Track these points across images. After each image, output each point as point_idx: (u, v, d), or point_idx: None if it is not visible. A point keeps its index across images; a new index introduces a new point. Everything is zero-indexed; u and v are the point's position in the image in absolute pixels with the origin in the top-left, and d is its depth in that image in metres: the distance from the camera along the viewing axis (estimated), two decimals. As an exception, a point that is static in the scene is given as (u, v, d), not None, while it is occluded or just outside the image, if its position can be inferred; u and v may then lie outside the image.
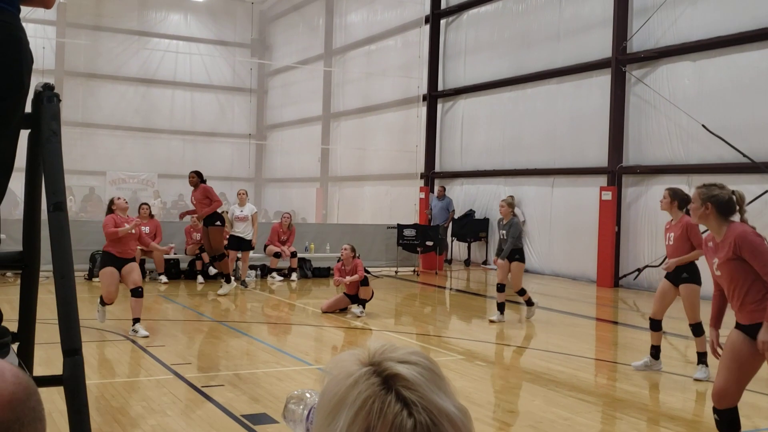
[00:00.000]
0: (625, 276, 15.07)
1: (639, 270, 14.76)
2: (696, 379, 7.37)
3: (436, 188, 19.65)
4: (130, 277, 9.12)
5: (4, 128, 2.47)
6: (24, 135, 2.71)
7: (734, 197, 4.60)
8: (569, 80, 16.50)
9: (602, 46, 15.50)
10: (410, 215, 18.59)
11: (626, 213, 15.17)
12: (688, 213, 7.22)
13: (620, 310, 12.84)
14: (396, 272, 16.87)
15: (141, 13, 26.97)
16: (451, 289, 15.49)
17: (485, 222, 18.74)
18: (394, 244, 16.97)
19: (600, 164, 15.50)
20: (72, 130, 23.68)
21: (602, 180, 15.42)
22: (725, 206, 4.58)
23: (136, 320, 9.07)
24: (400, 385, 0.92)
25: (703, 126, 13.39)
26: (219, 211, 12.79)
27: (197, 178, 12.58)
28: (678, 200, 7.46)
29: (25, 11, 2.72)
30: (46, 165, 2.48)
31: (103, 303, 9.27)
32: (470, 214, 19.13)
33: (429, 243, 16.88)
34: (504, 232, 10.44)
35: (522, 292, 10.70)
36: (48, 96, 2.55)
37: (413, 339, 9.52)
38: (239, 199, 14.16)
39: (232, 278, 12.86)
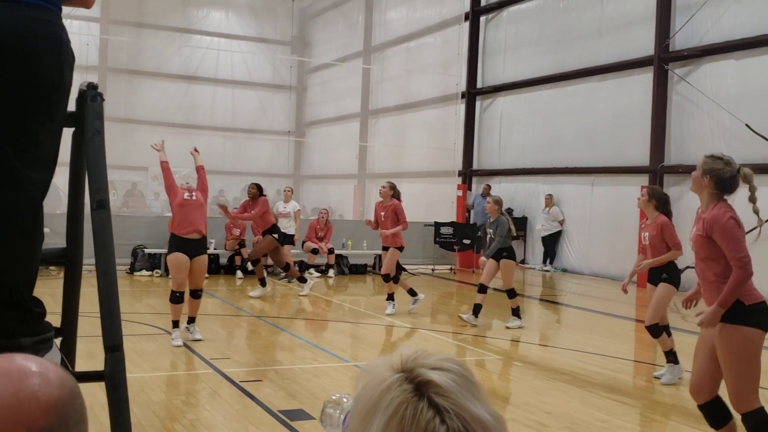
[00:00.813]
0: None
1: (680, 270, 14.53)
2: (663, 383, 7.24)
3: (482, 186, 19.53)
4: (193, 276, 8.42)
5: (47, 126, 2.51)
6: (68, 133, 2.77)
7: (738, 176, 4.48)
8: (611, 78, 16.31)
9: (644, 44, 15.29)
10: (447, 213, 18.55)
11: (667, 213, 14.95)
12: (665, 214, 7.29)
13: (660, 312, 12.65)
14: (433, 270, 16.85)
15: (183, 10, 27.24)
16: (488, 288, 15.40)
17: (524, 221, 18.61)
18: (431, 241, 16.95)
19: (641, 163, 15.31)
20: (115, 126, 24.02)
21: (643, 179, 15.22)
22: (724, 183, 4.50)
23: (191, 319, 8.59)
24: (433, 391, 0.92)
25: (747, 125, 13.14)
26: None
27: (257, 191, 12.10)
28: (656, 200, 7.33)
29: (69, 8, 2.77)
30: (89, 163, 2.52)
31: (176, 324, 8.38)
32: (508, 212, 19.01)
33: (466, 241, 16.83)
34: (492, 230, 10.13)
35: (512, 293, 10.04)
36: (92, 95, 2.60)
37: (449, 338, 9.50)
38: (284, 196, 14.44)
39: (267, 282, 12.81)
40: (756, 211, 4.57)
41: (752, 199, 4.56)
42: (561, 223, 17.49)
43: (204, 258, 8.51)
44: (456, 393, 0.92)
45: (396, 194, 10.82)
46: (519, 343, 9.23)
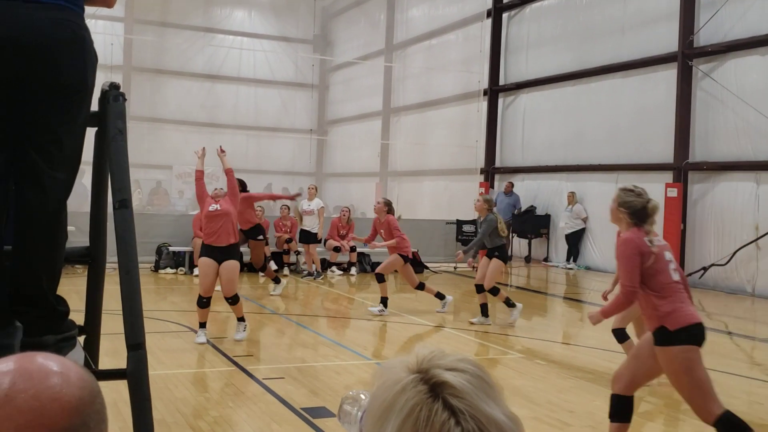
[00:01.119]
0: (690, 275, 14.72)
1: (705, 268, 14.42)
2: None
3: (504, 183, 19.46)
4: (222, 283, 8.23)
5: (70, 126, 2.54)
6: (91, 133, 2.80)
7: (648, 207, 4.83)
8: (634, 74, 16.19)
9: (668, 40, 15.15)
10: (469, 211, 18.48)
11: (692, 210, 14.82)
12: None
13: (685, 310, 12.55)
14: (455, 268, 16.82)
15: (206, 9, 27.38)
16: (510, 286, 15.37)
17: (546, 218, 18.53)
18: (453, 239, 16.92)
19: (665, 160, 15.18)
20: (139, 125, 24.24)
21: (668, 176, 15.09)
22: (637, 214, 4.82)
23: (239, 319, 8.50)
24: (448, 393, 0.92)
25: (774, 121, 12.99)
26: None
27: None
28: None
29: (94, 8, 2.80)
30: (111, 163, 2.55)
31: (201, 325, 8.35)
32: (531, 210, 18.94)
33: (489, 239, 16.76)
34: (480, 230, 10.09)
35: (494, 291, 9.94)
36: (114, 95, 2.62)
37: (472, 336, 9.48)
38: (308, 194, 14.53)
39: (281, 279, 12.74)
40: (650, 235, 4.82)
41: (649, 232, 4.86)
42: (584, 220, 17.38)
43: (231, 264, 8.23)
44: (471, 394, 0.92)
45: (390, 210, 10.86)
46: (542, 342, 9.19)
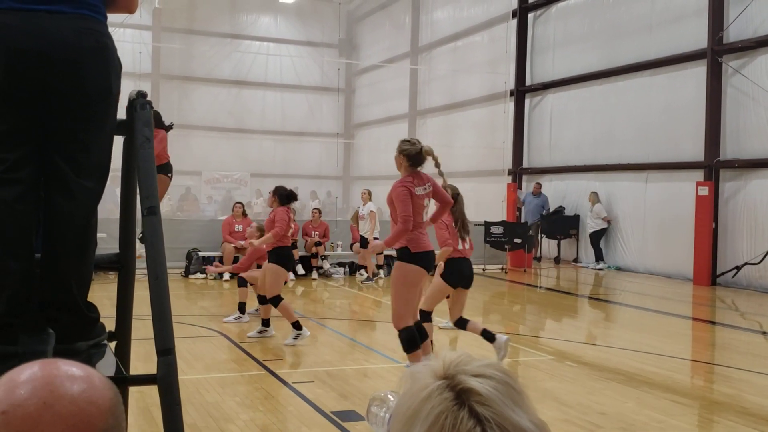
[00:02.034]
0: (723, 274, 14.54)
1: (738, 268, 14.22)
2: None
3: (532, 184, 19.36)
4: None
5: (97, 134, 2.57)
6: (119, 141, 2.82)
7: (422, 151, 6.31)
8: (663, 72, 16.02)
9: (697, 37, 14.97)
10: (497, 212, 18.42)
11: (724, 208, 14.63)
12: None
13: (718, 310, 12.40)
14: (483, 270, 16.75)
15: (232, 16, 27.59)
16: (540, 287, 15.29)
17: (575, 219, 18.39)
18: (481, 241, 16.85)
19: (696, 158, 15.00)
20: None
21: (698, 175, 14.91)
22: (413, 158, 6.32)
23: (294, 324, 8.48)
24: (474, 400, 0.91)
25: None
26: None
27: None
28: None
29: (122, 17, 2.84)
30: (140, 170, 2.57)
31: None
32: (560, 210, 18.81)
33: (517, 240, 16.69)
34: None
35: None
36: (141, 103, 2.65)
37: (501, 338, 9.43)
38: (362, 199, 14.76)
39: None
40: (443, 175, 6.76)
41: (438, 166, 6.68)
42: (605, 220, 17.29)
43: (267, 266, 8.65)
44: (497, 401, 0.91)
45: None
46: (572, 343, 9.12)
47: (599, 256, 17.52)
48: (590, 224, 17.56)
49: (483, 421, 0.89)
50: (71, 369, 0.96)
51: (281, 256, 8.53)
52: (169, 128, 8.58)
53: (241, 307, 9.82)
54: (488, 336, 7.42)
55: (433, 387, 0.93)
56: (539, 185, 18.99)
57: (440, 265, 7.46)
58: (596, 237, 17.53)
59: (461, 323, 7.59)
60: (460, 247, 7.45)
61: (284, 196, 8.88)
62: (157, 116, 8.04)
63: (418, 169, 6.35)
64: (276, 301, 8.39)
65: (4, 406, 0.91)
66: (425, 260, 6.27)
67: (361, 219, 14.56)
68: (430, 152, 6.37)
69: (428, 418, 0.91)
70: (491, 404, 0.90)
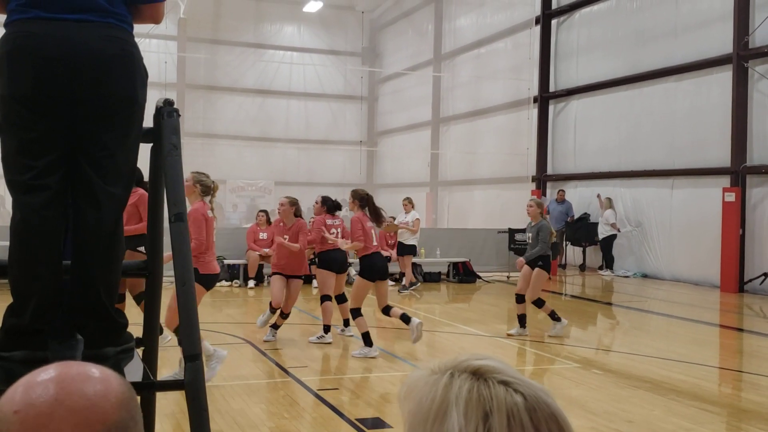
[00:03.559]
0: (750, 281, 14.37)
1: (765, 275, 14.04)
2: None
3: (556, 191, 19.30)
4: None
5: (124, 140, 2.60)
6: (146, 148, 2.86)
7: (213, 187, 7.21)
8: (688, 77, 15.89)
9: (722, 42, 14.85)
10: (522, 219, 18.32)
11: (751, 215, 14.46)
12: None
13: (746, 317, 12.25)
14: (508, 277, 16.69)
15: (257, 26, 27.78)
16: (565, 294, 15.19)
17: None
18: (506, 248, 16.79)
19: (722, 164, 14.85)
20: (194, 140, 24.66)
21: (725, 181, 14.76)
22: (207, 191, 7.22)
23: (346, 322, 9.46)
24: (489, 372, 0.96)
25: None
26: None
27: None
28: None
29: (147, 28, 2.89)
30: (167, 178, 2.60)
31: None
32: (585, 217, 18.70)
33: (542, 247, 16.60)
34: (530, 234, 9.69)
35: (539, 303, 9.62)
36: (168, 111, 2.68)
37: (526, 346, 9.39)
38: (404, 208, 14.85)
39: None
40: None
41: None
42: (613, 226, 17.28)
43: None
44: (509, 369, 0.97)
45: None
46: (598, 351, 9.05)
47: (609, 264, 17.55)
48: (600, 231, 17.59)
49: (510, 384, 0.95)
50: (84, 368, 0.99)
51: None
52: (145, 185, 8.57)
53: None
54: (405, 319, 8.46)
55: (446, 377, 0.96)
56: (563, 192, 18.91)
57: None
58: (606, 243, 17.57)
59: (386, 310, 8.60)
60: (375, 243, 8.61)
61: (333, 206, 9.70)
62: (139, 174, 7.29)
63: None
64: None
65: (18, 406, 0.93)
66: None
67: (402, 227, 14.63)
68: (216, 188, 7.41)
69: (460, 399, 0.93)
70: (506, 371, 0.97)
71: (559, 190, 19.09)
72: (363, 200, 8.73)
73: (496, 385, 0.94)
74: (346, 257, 9.49)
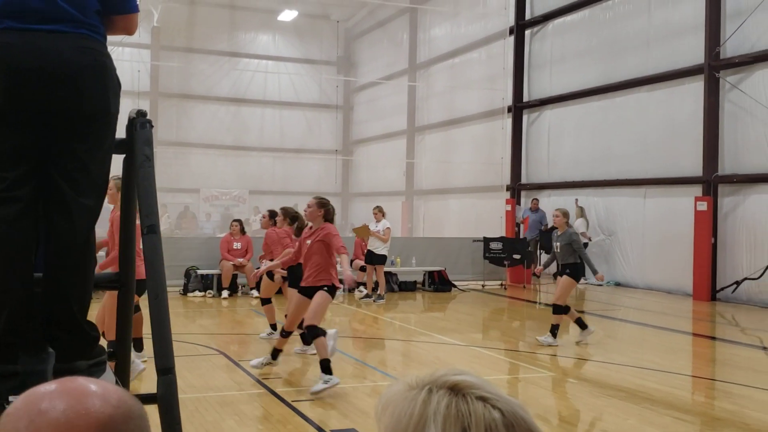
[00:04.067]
0: (722, 289, 14.53)
1: (737, 283, 14.21)
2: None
3: (530, 201, 19.40)
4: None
5: (96, 152, 2.57)
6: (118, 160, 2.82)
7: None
8: (660, 88, 16.07)
9: (694, 52, 15.04)
10: (496, 228, 18.43)
11: (723, 224, 14.63)
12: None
13: (718, 325, 12.37)
14: (483, 286, 16.74)
15: (231, 34, 27.71)
16: (539, 303, 15.25)
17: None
18: (481, 257, 16.84)
19: (694, 174, 15.02)
20: (167, 149, 24.51)
21: (697, 190, 14.93)
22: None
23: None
24: (467, 388, 0.95)
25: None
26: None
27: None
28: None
29: (121, 36, 2.85)
30: (139, 189, 2.57)
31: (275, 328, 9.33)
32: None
33: (516, 256, 16.69)
34: (558, 244, 9.74)
35: (557, 309, 9.64)
36: (141, 122, 2.65)
37: (501, 354, 9.41)
38: (375, 217, 14.69)
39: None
40: None
41: None
42: (584, 236, 17.39)
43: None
44: (486, 385, 0.97)
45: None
46: (573, 360, 9.09)
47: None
48: None
49: (487, 399, 0.94)
50: (86, 384, 0.98)
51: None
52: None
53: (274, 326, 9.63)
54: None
55: (424, 392, 0.96)
56: (537, 201, 19.03)
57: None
58: None
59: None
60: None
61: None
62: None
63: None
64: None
65: (29, 416, 0.93)
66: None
67: (373, 234, 14.49)
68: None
69: (438, 415, 0.93)
70: (483, 386, 0.96)
71: (533, 199, 19.20)
72: (293, 218, 9.29)
73: (474, 401, 0.94)
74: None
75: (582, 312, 13.82)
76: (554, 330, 9.68)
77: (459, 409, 0.93)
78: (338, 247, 7.29)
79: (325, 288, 7.39)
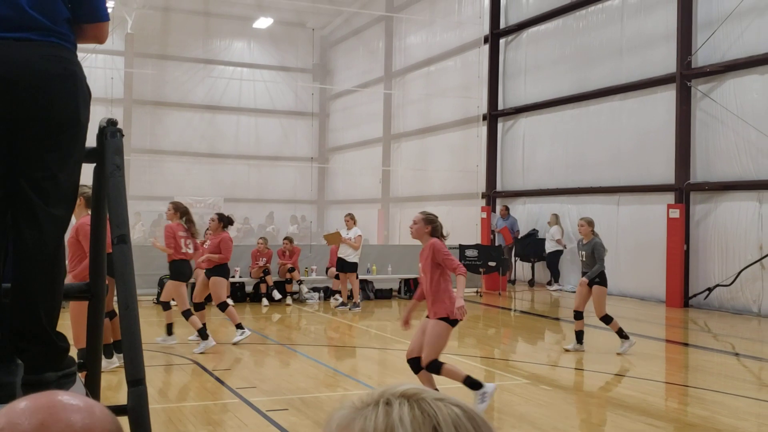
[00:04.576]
0: (695, 296, 14.68)
1: (710, 289, 14.36)
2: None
3: (499, 208, 19.53)
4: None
5: (65, 161, 2.54)
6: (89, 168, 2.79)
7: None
8: (633, 96, 16.24)
9: (666, 62, 15.22)
10: (472, 235, 18.48)
11: (695, 231, 14.79)
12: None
13: (690, 331, 12.49)
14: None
15: (205, 41, 27.60)
16: (515, 310, 15.32)
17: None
18: (457, 265, 16.87)
19: (667, 181, 15.18)
20: (140, 157, 24.33)
21: (669, 197, 15.08)
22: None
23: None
24: (419, 393, 0.96)
25: (774, 140, 13.00)
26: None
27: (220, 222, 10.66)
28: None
29: (93, 44, 2.83)
30: (110, 199, 2.55)
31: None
32: (533, 233, 18.92)
33: (492, 263, 16.75)
34: (584, 253, 9.84)
35: (607, 319, 9.74)
36: (111, 131, 2.63)
37: (477, 362, 9.42)
38: (347, 224, 14.44)
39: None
40: None
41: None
42: (559, 243, 17.63)
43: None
44: (431, 390, 0.98)
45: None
46: (547, 367, 9.13)
47: (556, 278, 17.93)
48: (547, 246, 17.99)
49: (443, 399, 0.96)
50: (72, 400, 0.97)
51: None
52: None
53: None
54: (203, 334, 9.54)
55: (381, 405, 0.95)
56: (506, 208, 19.21)
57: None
58: (552, 259, 17.96)
59: (187, 314, 9.63)
60: (184, 251, 9.75)
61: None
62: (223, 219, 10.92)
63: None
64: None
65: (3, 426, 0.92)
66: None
67: (344, 243, 14.27)
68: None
69: (405, 421, 0.93)
70: (431, 391, 0.97)
71: (503, 206, 19.33)
72: (184, 213, 9.91)
73: (434, 402, 0.95)
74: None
75: (557, 319, 13.91)
76: (579, 336, 9.87)
77: (424, 410, 0.94)
78: (454, 267, 6.60)
79: (442, 319, 6.59)
